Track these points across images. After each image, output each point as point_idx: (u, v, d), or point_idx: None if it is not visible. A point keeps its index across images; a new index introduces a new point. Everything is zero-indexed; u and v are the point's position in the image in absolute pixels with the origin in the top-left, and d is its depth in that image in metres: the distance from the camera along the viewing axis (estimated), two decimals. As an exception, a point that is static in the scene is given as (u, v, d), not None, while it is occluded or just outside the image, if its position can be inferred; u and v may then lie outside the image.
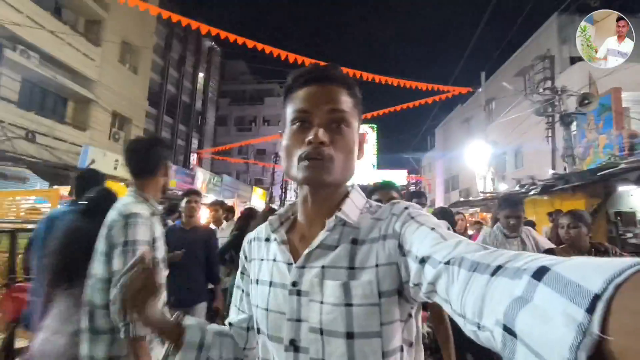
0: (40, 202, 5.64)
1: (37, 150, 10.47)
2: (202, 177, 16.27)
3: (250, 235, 0.81)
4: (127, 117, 15.67)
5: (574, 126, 10.39)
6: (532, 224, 5.70)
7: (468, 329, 0.40)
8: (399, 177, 29.26)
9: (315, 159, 0.62)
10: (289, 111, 0.68)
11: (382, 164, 27.20)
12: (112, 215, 1.44)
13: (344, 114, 0.65)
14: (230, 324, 0.81)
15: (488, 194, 11.46)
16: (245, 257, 0.79)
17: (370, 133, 25.03)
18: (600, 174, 5.73)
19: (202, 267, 2.84)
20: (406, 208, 0.63)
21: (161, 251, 1.57)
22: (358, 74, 8.50)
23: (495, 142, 15.15)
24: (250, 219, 3.35)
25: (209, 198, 11.52)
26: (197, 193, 3.01)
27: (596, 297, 0.25)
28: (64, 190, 8.84)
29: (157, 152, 1.60)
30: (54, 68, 11.78)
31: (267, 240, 0.75)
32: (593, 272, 0.27)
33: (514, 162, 16.20)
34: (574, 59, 13.21)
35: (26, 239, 3.57)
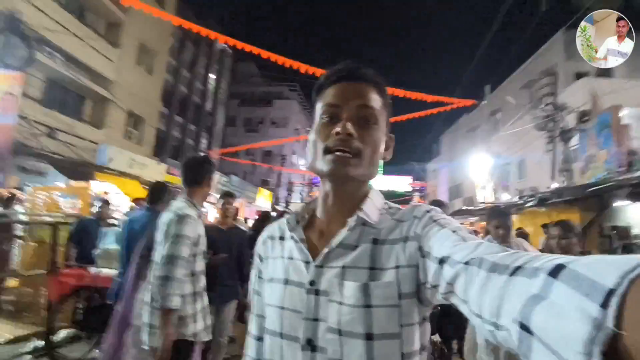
0: (64, 197, 6.04)
1: (57, 146, 11.00)
2: (211, 177, 16.72)
3: (263, 236, 0.80)
4: (141, 116, 16.20)
5: (575, 140, 10.68)
6: (525, 236, 6.04)
7: (485, 330, 0.40)
8: (403, 183, 29.51)
9: (342, 150, 0.62)
10: (319, 106, 0.69)
11: (388, 170, 27.47)
12: (169, 214, 1.85)
13: (373, 110, 0.66)
14: (259, 338, 0.75)
15: (488, 204, 11.76)
16: (260, 259, 0.77)
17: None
18: (590, 189, 6.04)
19: (236, 266, 2.99)
20: (428, 211, 0.64)
21: (203, 245, 1.97)
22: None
23: (499, 153, 15.42)
24: (265, 221, 3.75)
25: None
26: (232, 195, 3.23)
27: (610, 292, 0.25)
28: (86, 185, 9.30)
29: (205, 168, 2.02)
30: (75, 68, 12.33)
31: (282, 238, 0.74)
32: (607, 268, 0.27)
33: (517, 172, 16.45)
34: (580, 75, 13.49)
35: (66, 231, 4.01)
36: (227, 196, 3.14)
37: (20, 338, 3.67)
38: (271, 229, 0.79)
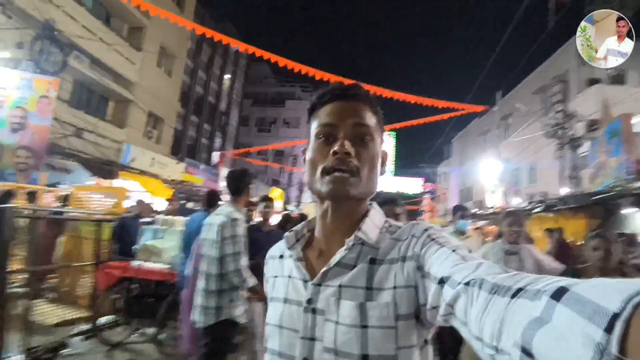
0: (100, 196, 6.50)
1: (84, 145, 11.60)
2: (226, 177, 17.24)
3: (267, 256, 0.81)
4: (160, 116, 16.79)
5: (586, 147, 10.83)
6: (529, 241, 6.28)
7: (485, 353, 0.39)
8: (414, 185, 29.65)
9: (340, 170, 0.63)
10: (314, 126, 0.69)
11: (399, 172, 27.67)
12: (221, 217, 2.25)
13: (368, 128, 0.67)
14: None
15: (497, 209, 11.94)
16: (266, 280, 0.79)
17: (389, 140, 25.52)
18: (596, 197, 6.27)
19: None
20: (426, 230, 0.63)
21: (246, 244, 2.35)
22: (379, 90, 9.21)
23: (510, 157, 15.56)
24: (287, 222, 4.12)
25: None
26: (271, 199, 3.49)
27: (615, 317, 0.25)
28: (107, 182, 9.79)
29: (245, 180, 2.43)
30: (100, 71, 12.94)
31: (281, 257, 0.75)
32: (612, 291, 0.27)
33: (528, 177, 16.56)
34: (592, 81, 13.58)
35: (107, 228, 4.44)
36: (267, 200, 3.39)
37: (67, 322, 4.12)
38: (273, 249, 0.80)
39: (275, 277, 0.74)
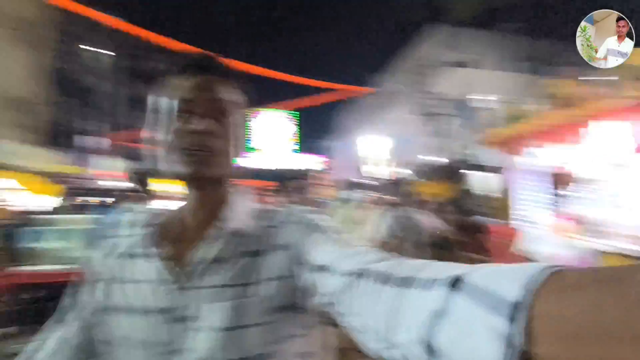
0: None
1: None
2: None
3: (98, 252, 0.64)
4: (21, 100, 14.36)
5: (445, 121, 13.05)
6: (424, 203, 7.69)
7: (372, 347, 0.37)
8: (316, 162, 30.99)
9: (196, 150, 0.56)
10: (164, 101, 0.59)
11: (302, 150, 28.71)
12: None
13: (225, 104, 0.60)
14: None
15: (382, 179, 13.67)
16: (97, 277, 0.61)
17: (291, 120, 25.91)
18: (447, 165, 7.94)
19: None
20: (304, 215, 0.60)
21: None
22: (279, 75, 9.68)
23: (391, 132, 17.62)
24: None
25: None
26: None
27: (516, 306, 0.25)
28: None
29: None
30: None
31: (132, 256, 0.60)
32: (508, 279, 0.27)
33: (407, 149, 18.95)
34: (453, 64, 15.91)
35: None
36: None
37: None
38: (121, 245, 0.62)
39: (124, 282, 0.58)
